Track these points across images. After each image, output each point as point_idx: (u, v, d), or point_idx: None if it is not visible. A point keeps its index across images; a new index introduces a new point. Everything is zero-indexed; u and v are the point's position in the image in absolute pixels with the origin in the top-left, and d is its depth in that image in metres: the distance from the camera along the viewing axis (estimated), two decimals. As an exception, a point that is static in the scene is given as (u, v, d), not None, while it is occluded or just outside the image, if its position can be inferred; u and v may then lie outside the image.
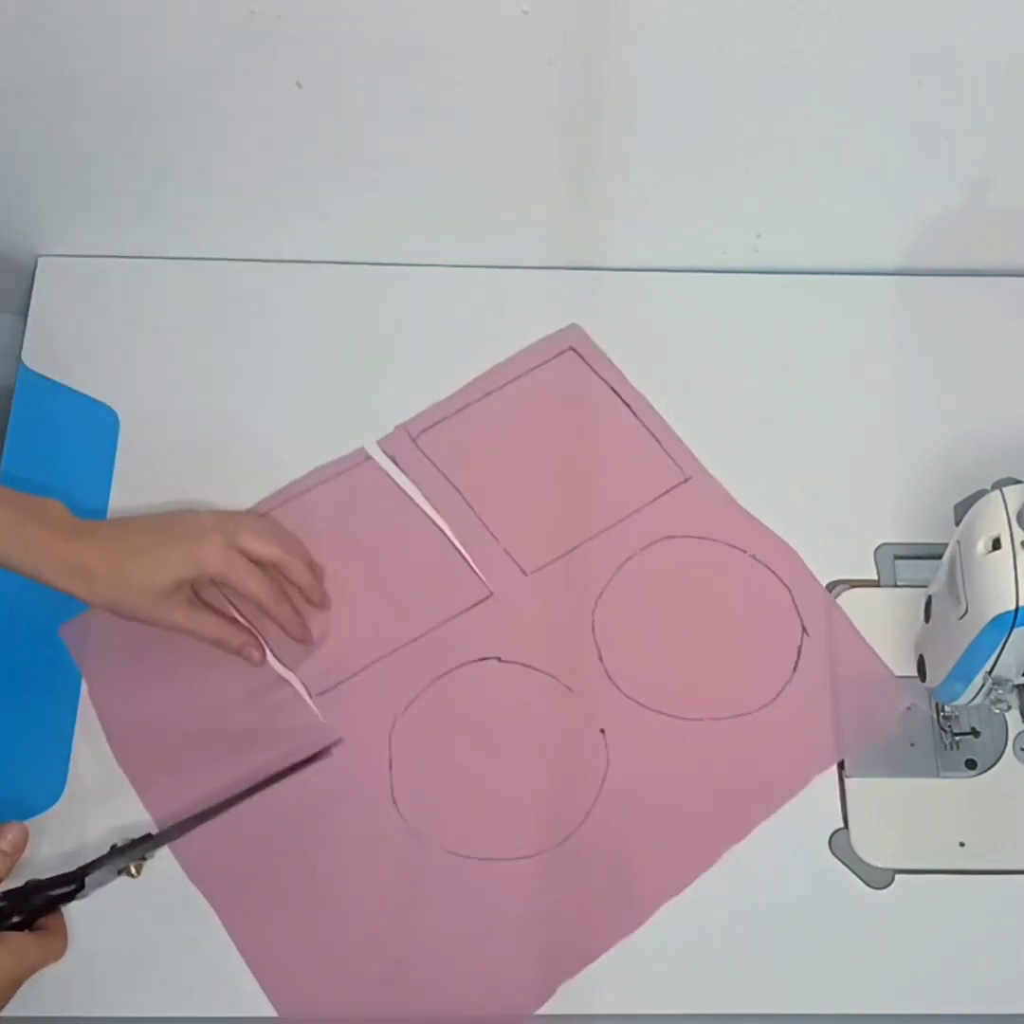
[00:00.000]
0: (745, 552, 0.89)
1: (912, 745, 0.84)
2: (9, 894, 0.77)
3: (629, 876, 0.81)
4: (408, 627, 0.87)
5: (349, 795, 0.82)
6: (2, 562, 0.76)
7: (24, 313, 0.96)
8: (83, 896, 0.78)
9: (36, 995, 0.77)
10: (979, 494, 0.73)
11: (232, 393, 0.94)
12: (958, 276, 0.98)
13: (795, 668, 0.86)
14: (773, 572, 0.88)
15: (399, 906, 0.80)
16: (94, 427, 0.92)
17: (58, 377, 0.94)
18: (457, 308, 0.97)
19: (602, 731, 0.84)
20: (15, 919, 0.76)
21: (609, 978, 0.78)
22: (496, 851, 0.81)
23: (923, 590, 0.80)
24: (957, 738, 0.83)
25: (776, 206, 0.93)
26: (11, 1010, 0.77)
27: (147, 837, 0.80)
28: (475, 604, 0.88)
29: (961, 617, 0.72)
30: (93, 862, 0.79)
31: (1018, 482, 0.73)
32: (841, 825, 0.81)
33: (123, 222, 0.96)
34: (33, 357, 0.94)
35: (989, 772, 0.83)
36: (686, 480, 0.91)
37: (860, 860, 0.81)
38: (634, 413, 0.93)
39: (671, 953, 0.79)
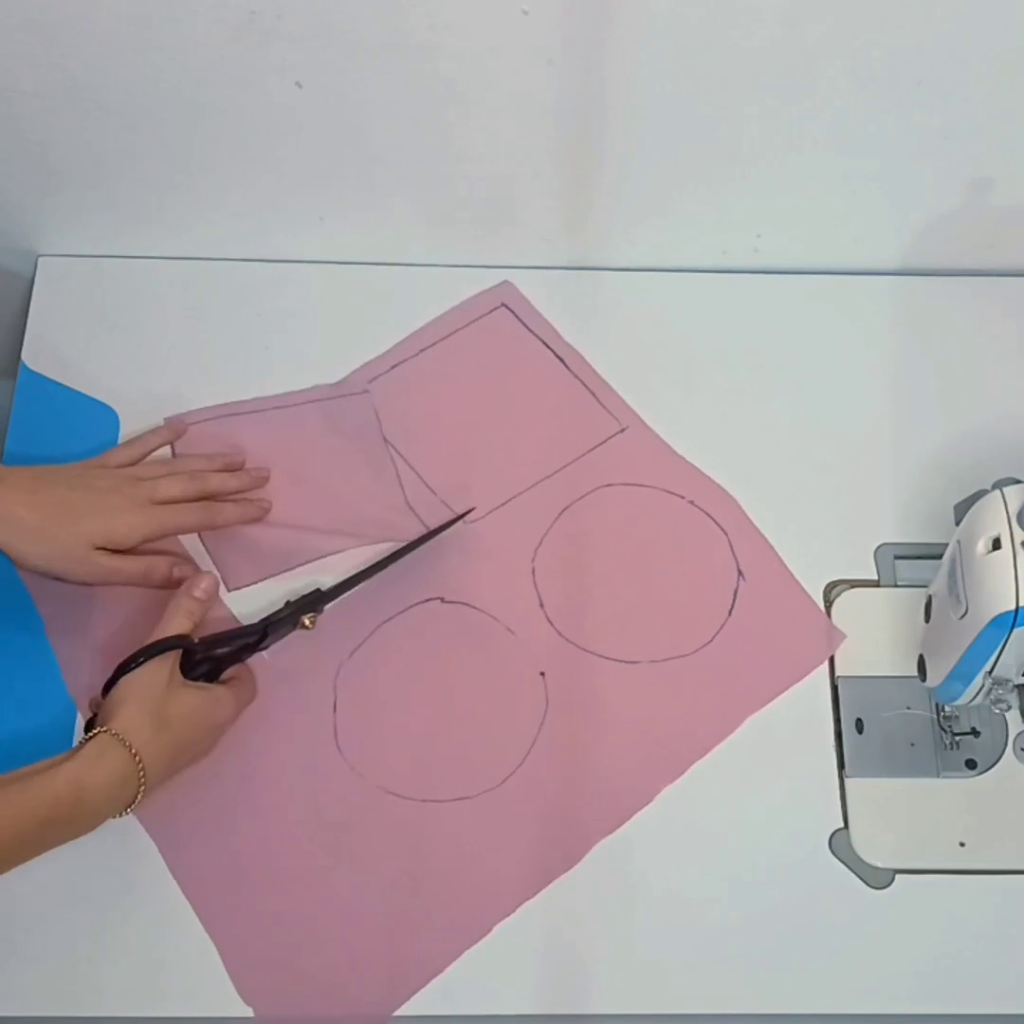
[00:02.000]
0: (683, 498, 0.90)
1: (912, 745, 0.84)
2: (200, 641, 0.80)
3: (565, 817, 0.81)
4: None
5: (293, 735, 0.83)
6: None
7: (24, 313, 0.96)
8: (264, 648, 0.82)
9: (33, 995, 0.77)
10: (979, 494, 0.73)
11: (232, 393, 0.94)
12: (958, 276, 0.98)
13: (731, 611, 0.87)
14: (711, 517, 0.89)
15: (336, 844, 0.80)
16: (94, 427, 0.92)
17: (58, 377, 0.94)
18: (457, 308, 0.97)
19: (542, 674, 0.85)
20: (204, 669, 0.80)
21: (608, 978, 0.79)
22: (435, 792, 0.82)
23: (923, 590, 0.80)
24: (957, 738, 0.83)
25: (776, 206, 0.93)
26: (10, 1010, 0.77)
27: (317, 591, 0.84)
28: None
29: (961, 617, 0.72)
30: (272, 615, 0.82)
31: (1018, 482, 0.73)
32: (841, 825, 0.81)
33: (123, 222, 0.96)
34: (33, 357, 0.94)
35: (989, 772, 0.83)
36: (622, 430, 0.92)
37: (860, 860, 0.81)
38: (567, 367, 0.94)
39: (670, 953, 0.79)
